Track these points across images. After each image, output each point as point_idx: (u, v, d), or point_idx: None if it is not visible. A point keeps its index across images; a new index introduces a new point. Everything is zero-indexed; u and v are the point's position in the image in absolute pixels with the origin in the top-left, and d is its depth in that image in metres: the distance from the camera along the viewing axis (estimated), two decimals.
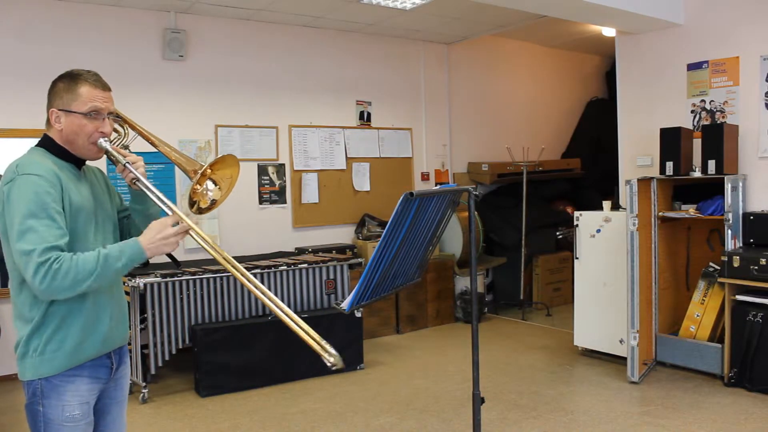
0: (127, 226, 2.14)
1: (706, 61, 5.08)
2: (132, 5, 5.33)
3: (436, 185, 7.27)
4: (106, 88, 1.94)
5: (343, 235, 6.58)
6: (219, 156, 2.07)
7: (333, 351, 1.82)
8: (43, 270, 1.71)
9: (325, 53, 6.44)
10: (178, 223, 1.87)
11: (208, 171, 2.03)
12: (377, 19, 6.17)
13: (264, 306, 4.83)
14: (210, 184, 2.06)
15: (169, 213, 1.92)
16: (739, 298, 4.32)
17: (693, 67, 5.16)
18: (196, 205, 2.04)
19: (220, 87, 5.85)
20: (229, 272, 1.97)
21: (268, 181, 6.13)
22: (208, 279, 4.60)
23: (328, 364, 1.81)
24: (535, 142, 7.66)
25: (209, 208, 2.08)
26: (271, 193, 6.15)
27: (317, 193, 6.40)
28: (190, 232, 1.89)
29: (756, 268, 4.19)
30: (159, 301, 4.43)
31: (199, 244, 1.91)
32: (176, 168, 5.54)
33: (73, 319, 1.86)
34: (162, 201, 1.96)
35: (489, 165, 7.21)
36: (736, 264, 4.28)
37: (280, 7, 5.64)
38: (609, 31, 6.52)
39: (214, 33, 5.80)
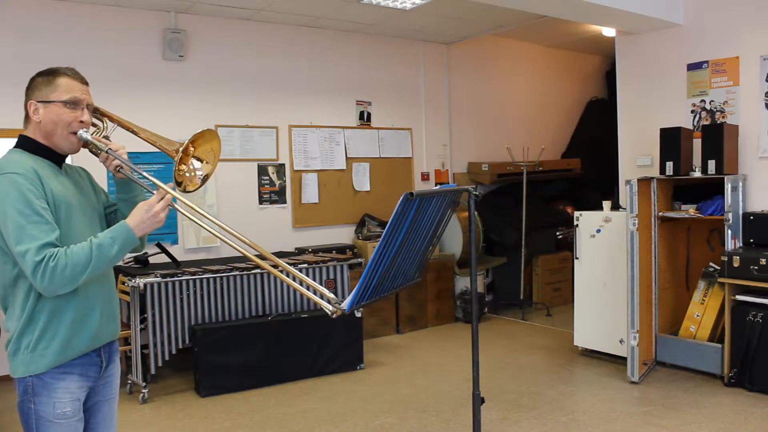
0: (114, 221, 2.13)
1: (706, 61, 5.08)
2: (132, 5, 5.33)
3: (436, 185, 7.27)
4: (84, 81, 1.97)
5: (343, 235, 6.58)
6: (197, 132, 2.07)
7: (331, 295, 1.84)
8: (40, 269, 1.73)
9: (325, 53, 6.44)
10: (163, 198, 1.89)
11: (190, 149, 2.05)
12: (377, 19, 6.17)
13: (263, 306, 4.84)
14: (196, 163, 2.08)
15: (155, 190, 1.93)
16: (739, 298, 4.32)
17: (693, 67, 5.16)
18: (182, 186, 2.06)
19: (220, 87, 5.85)
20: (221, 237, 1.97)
21: (268, 181, 6.13)
22: (208, 279, 4.60)
23: (328, 312, 1.82)
24: (535, 142, 7.66)
25: (201, 185, 2.10)
26: (271, 193, 6.15)
27: (317, 193, 6.40)
28: (177, 204, 1.92)
29: (756, 268, 4.19)
30: (159, 301, 4.43)
31: (184, 214, 1.94)
32: None
33: (63, 314, 1.87)
34: (147, 179, 1.97)
35: (489, 165, 7.21)
36: (736, 264, 4.28)
37: (280, 7, 5.64)
38: (609, 31, 6.52)
39: (214, 33, 5.80)
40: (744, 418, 3.82)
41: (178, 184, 2.04)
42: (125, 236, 1.84)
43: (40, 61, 4.93)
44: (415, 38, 6.99)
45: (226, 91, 5.89)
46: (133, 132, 2.14)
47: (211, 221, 1.95)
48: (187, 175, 2.06)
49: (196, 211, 1.94)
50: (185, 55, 5.61)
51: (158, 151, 2.13)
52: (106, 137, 2.11)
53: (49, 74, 1.93)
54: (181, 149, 2.01)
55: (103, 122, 2.13)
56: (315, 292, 1.92)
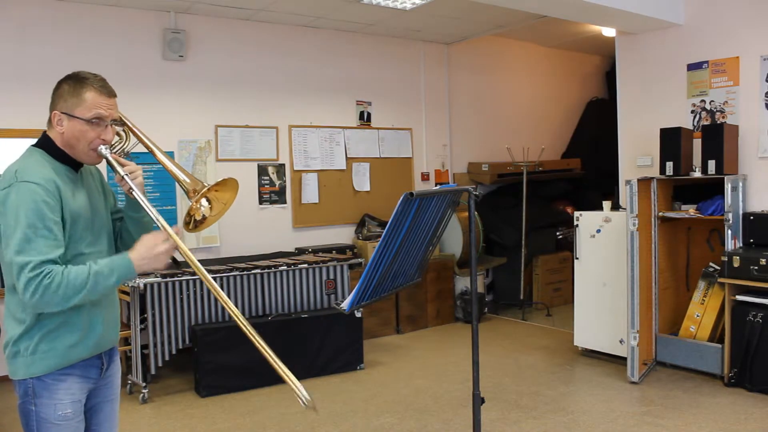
0: (119, 229, 2.14)
1: (706, 61, 5.08)
2: (132, 5, 5.33)
3: (436, 185, 7.27)
4: (111, 94, 1.93)
5: (343, 235, 6.58)
6: (222, 179, 2.08)
7: (305, 394, 1.80)
8: (33, 285, 1.72)
9: (325, 53, 6.44)
10: (168, 240, 1.87)
11: (204, 190, 2.06)
12: (377, 19, 6.17)
13: (263, 306, 4.84)
14: (204, 201, 2.08)
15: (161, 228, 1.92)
16: (739, 298, 4.32)
17: (693, 67, 5.16)
18: (192, 221, 2.06)
19: (220, 87, 5.85)
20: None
21: (268, 181, 6.13)
22: None
23: (302, 404, 1.79)
24: (535, 142, 7.66)
25: (201, 222, 2.10)
26: (271, 193, 6.15)
27: (317, 193, 6.40)
28: (180, 250, 1.89)
29: (756, 268, 4.19)
30: (159, 301, 4.43)
31: (187, 260, 1.89)
32: None
33: (69, 324, 1.87)
34: (154, 216, 1.95)
35: (489, 165, 7.21)
36: (736, 264, 4.28)
37: (280, 7, 5.64)
38: (609, 31, 6.52)
39: (214, 33, 5.80)
40: (744, 418, 3.82)
41: (187, 222, 2.06)
42: (123, 269, 1.83)
43: (40, 61, 4.97)
44: (415, 38, 6.99)
45: (226, 91, 5.88)
46: (153, 154, 2.12)
47: (206, 279, 1.89)
48: (194, 207, 2.07)
49: (195, 264, 1.89)
50: (185, 55, 5.61)
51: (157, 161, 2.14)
52: (127, 153, 2.10)
53: (77, 83, 1.88)
54: (200, 192, 2.02)
55: (126, 133, 2.11)
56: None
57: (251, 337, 1.84)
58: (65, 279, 1.74)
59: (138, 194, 1.95)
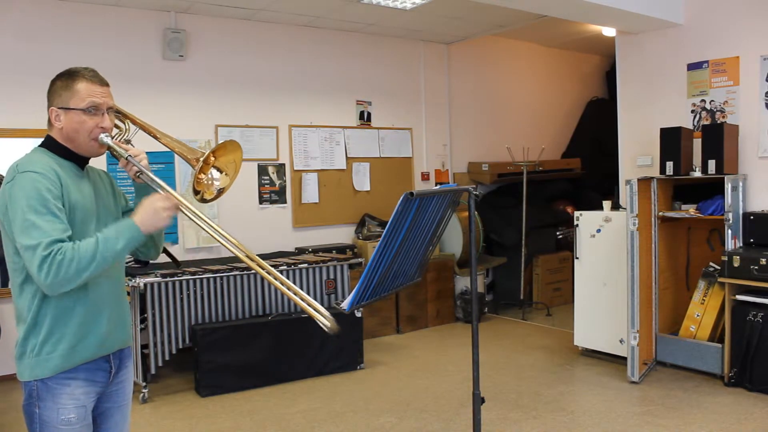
0: None
1: (706, 61, 5.08)
2: (132, 5, 5.33)
3: (436, 185, 7.27)
4: (103, 83, 1.94)
5: (343, 235, 6.58)
6: (220, 142, 2.07)
7: (328, 315, 1.85)
8: (47, 263, 1.71)
9: (325, 53, 6.44)
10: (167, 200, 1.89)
11: (211, 158, 2.04)
12: (377, 19, 6.17)
13: (263, 306, 4.84)
14: (215, 173, 2.07)
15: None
16: (739, 298, 4.32)
17: (693, 67, 5.16)
18: (200, 195, 2.05)
19: (220, 87, 5.86)
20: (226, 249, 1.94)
21: (268, 181, 6.13)
22: (208, 279, 4.60)
23: (326, 330, 1.83)
24: (535, 142, 7.66)
25: (217, 196, 2.09)
26: (271, 193, 6.15)
27: (317, 193, 6.40)
28: (181, 207, 1.90)
29: (756, 268, 4.19)
30: (159, 301, 4.43)
31: (191, 218, 1.93)
32: (176, 168, 5.57)
33: (68, 319, 1.86)
34: (161, 186, 1.95)
35: (489, 165, 7.21)
36: (736, 264, 4.28)
37: (280, 7, 5.65)
38: (609, 31, 6.52)
39: (214, 33, 5.80)
40: (744, 418, 3.82)
41: (197, 192, 2.04)
42: (129, 231, 1.83)
43: (40, 61, 4.96)
44: (415, 38, 6.99)
45: (226, 91, 5.89)
46: (154, 137, 2.12)
47: (219, 232, 1.94)
48: (205, 182, 2.06)
49: (202, 217, 1.94)
50: (185, 55, 5.61)
51: (159, 150, 2.13)
52: (128, 141, 2.10)
53: (68, 77, 1.90)
54: (201, 159, 2.00)
55: (125, 123, 2.11)
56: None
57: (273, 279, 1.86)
58: (76, 252, 1.74)
59: (146, 173, 1.96)
